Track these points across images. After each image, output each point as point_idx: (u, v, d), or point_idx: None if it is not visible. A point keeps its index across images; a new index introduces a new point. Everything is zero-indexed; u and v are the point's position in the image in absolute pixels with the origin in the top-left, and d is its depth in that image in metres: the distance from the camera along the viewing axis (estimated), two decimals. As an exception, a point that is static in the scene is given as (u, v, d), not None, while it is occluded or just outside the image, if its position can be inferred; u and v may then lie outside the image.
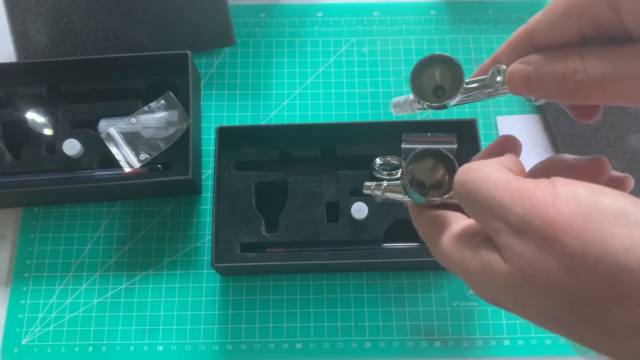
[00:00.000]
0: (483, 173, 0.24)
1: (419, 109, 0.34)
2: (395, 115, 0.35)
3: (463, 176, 0.25)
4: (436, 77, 0.30)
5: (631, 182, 0.27)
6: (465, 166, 0.25)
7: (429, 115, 0.61)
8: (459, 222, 0.27)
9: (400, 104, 0.34)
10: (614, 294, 0.19)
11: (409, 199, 0.30)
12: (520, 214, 0.21)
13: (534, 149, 0.59)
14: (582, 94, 0.24)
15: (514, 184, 0.22)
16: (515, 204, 0.21)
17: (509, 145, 0.29)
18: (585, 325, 0.21)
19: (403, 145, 0.54)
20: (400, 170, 0.30)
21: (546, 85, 0.26)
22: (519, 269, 0.21)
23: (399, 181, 0.31)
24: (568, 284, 0.20)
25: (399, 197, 0.31)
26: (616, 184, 0.27)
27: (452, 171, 0.28)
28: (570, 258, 0.20)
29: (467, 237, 0.25)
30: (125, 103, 0.57)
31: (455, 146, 0.53)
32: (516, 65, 0.27)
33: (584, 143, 0.58)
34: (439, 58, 0.30)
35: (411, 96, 0.33)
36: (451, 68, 0.30)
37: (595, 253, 0.19)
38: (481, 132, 0.59)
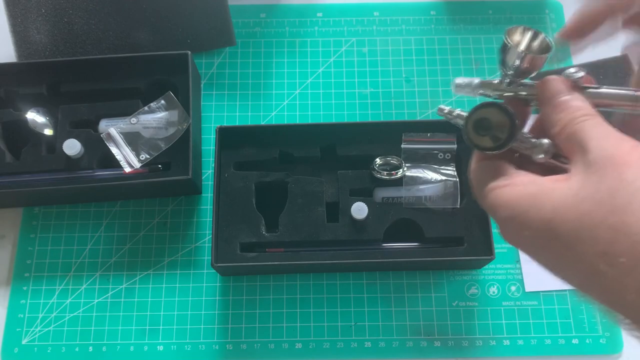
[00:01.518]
0: (599, 119, 0.28)
1: (480, 95, 0.35)
2: (455, 93, 0.36)
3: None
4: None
5: None
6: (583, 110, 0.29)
7: (429, 115, 0.61)
8: (514, 172, 0.30)
9: (463, 85, 0.35)
10: (637, 219, 0.23)
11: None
12: (613, 144, 0.26)
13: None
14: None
15: (618, 133, 0.27)
16: (614, 140, 0.27)
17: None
18: (599, 248, 0.24)
19: (403, 145, 0.54)
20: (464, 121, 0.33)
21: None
22: (579, 185, 0.26)
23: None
24: (606, 205, 0.24)
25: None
26: None
27: (512, 122, 0.30)
28: (619, 183, 0.24)
29: (516, 181, 0.29)
30: (126, 103, 0.57)
31: (455, 146, 0.53)
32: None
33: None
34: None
35: (475, 80, 0.35)
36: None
37: None
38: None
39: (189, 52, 0.56)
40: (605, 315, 0.26)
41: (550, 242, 0.26)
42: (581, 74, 0.30)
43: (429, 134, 0.54)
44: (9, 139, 0.57)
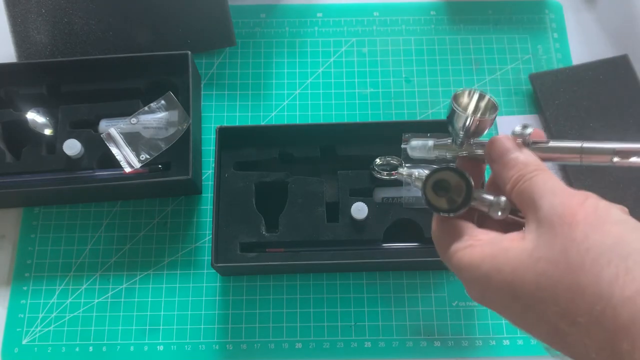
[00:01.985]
0: (547, 174, 0.29)
1: (436, 157, 0.36)
2: (412, 156, 0.38)
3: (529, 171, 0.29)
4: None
5: None
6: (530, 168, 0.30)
7: (429, 115, 0.61)
8: (473, 232, 0.31)
9: (419, 147, 0.37)
10: (590, 280, 0.23)
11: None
12: (561, 202, 0.27)
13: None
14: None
15: (566, 189, 0.28)
16: (562, 196, 0.27)
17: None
18: (558, 308, 0.24)
19: (403, 145, 0.54)
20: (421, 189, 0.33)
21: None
22: (534, 245, 0.26)
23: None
24: (561, 266, 0.24)
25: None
26: None
27: (468, 185, 0.31)
28: (571, 242, 0.25)
29: (476, 244, 0.29)
30: (126, 103, 0.57)
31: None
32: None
33: (584, 143, 0.58)
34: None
35: (430, 142, 0.36)
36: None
37: (592, 241, 0.24)
38: (481, 132, 0.59)
39: (189, 52, 0.57)
40: None
41: (513, 303, 0.26)
42: (529, 130, 0.31)
43: (428, 134, 0.54)
44: (9, 139, 0.57)
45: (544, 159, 0.31)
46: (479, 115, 0.33)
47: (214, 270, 0.54)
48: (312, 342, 0.52)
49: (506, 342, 0.52)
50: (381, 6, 0.66)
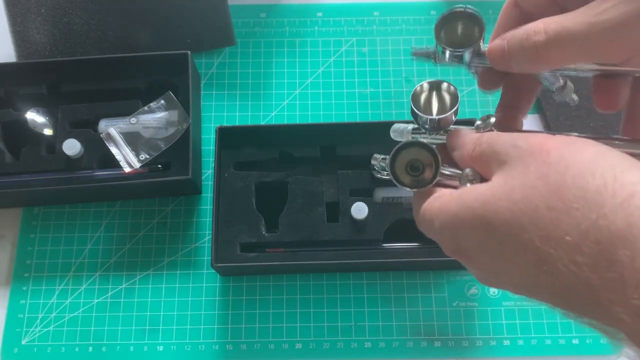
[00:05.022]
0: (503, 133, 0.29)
1: (413, 138, 0.36)
2: (394, 138, 0.38)
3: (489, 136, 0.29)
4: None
5: None
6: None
7: (429, 115, 0.61)
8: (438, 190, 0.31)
9: (399, 130, 0.37)
10: (575, 194, 0.22)
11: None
12: (526, 140, 0.26)
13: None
14: (543, 54, 0.28)
15: (528, 133, 0.28)
16: (525, 137, 0.27)
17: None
18: (541, 232, 0.23)
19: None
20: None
21: (514, 50, 0.30)
22: (504, 177, 0.25)
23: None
24: (539, 187, 0.23)
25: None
26: None
27: (435, 159, 0.31)
28: (547, 166, 0.24)
29: (444, 192, 0.29)
30: (125, 103, 0.57)
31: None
32: (495, 41, 0.31)
33: (584, 143, 0.58)
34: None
35: (409, 127, 0.36)
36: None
37: (570, 160, 0.23)
38: (481, 132, 0.59)
39: (189, 52, 0.56)
40: (556, 313, 0.25)
41: (488, 240, 0.25)
42: (492, 120, 0.31)
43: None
44: (9, 139, 0.57)
45: None
46: (436, 112, 0.33)
47: (214, 270, 0.54)
48: (312, 343, 0.52)
49: (506, 343, 0.52)
50: (381, 6, 0.66)
